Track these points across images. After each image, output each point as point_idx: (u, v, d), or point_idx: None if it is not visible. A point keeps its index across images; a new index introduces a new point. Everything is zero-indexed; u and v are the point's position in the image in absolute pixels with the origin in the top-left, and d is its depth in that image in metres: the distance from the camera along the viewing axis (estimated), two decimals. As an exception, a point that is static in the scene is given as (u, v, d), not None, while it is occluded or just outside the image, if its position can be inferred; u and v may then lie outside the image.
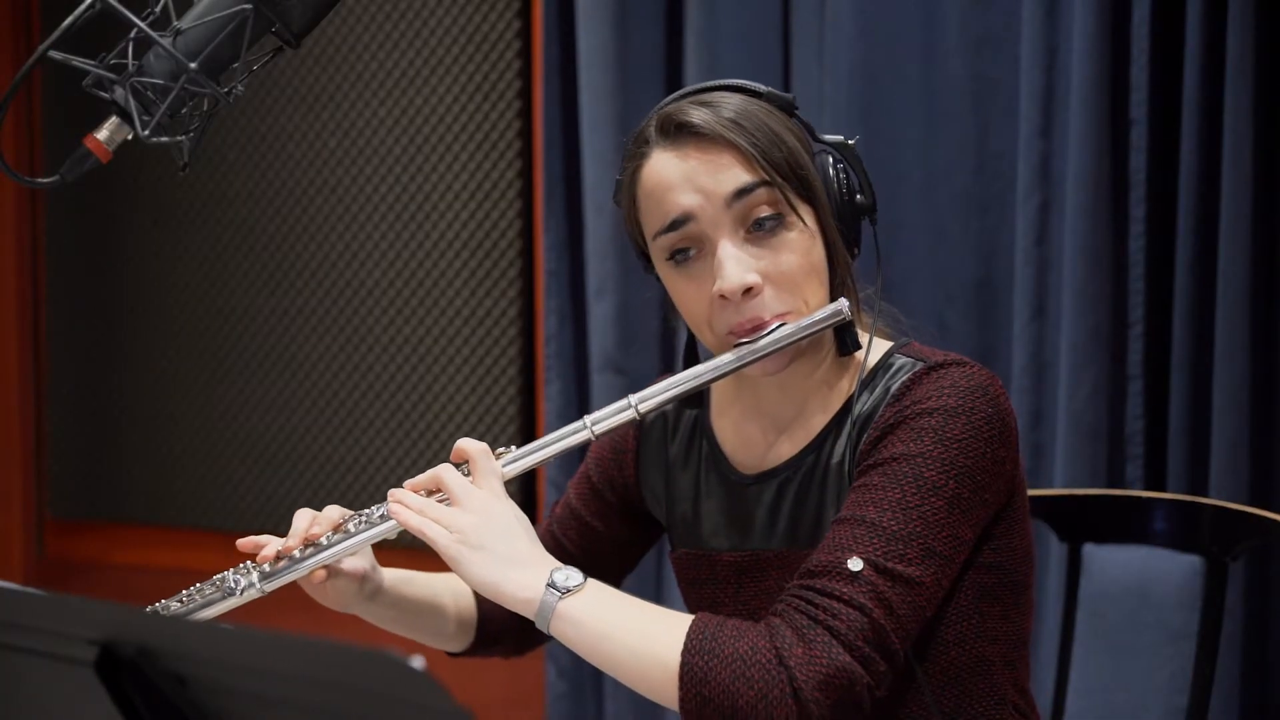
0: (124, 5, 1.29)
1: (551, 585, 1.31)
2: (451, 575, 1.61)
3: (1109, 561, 1.83)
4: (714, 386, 1.52)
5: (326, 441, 3.07)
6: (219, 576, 1.44)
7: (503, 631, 1.63)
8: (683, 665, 1.29)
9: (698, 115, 1.39)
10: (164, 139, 1.32)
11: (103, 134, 1.33)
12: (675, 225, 1.40)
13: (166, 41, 1.30)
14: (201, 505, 3.22)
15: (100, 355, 3.36)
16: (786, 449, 1.48)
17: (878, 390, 1.43)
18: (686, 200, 1.39)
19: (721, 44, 2.52)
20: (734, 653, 1.29)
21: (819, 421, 1.47)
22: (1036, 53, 2.25)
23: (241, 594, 1.42)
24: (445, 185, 2.93)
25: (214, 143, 3.14)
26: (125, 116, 1.32)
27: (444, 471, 1.38)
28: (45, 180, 1.34)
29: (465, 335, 2.92)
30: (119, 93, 1.32)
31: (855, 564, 1.31)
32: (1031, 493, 1.98)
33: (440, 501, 1.37)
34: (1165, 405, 2.22)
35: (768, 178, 1.38)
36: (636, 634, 1.31)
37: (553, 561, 1.34)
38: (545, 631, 1.32)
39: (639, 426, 1.61)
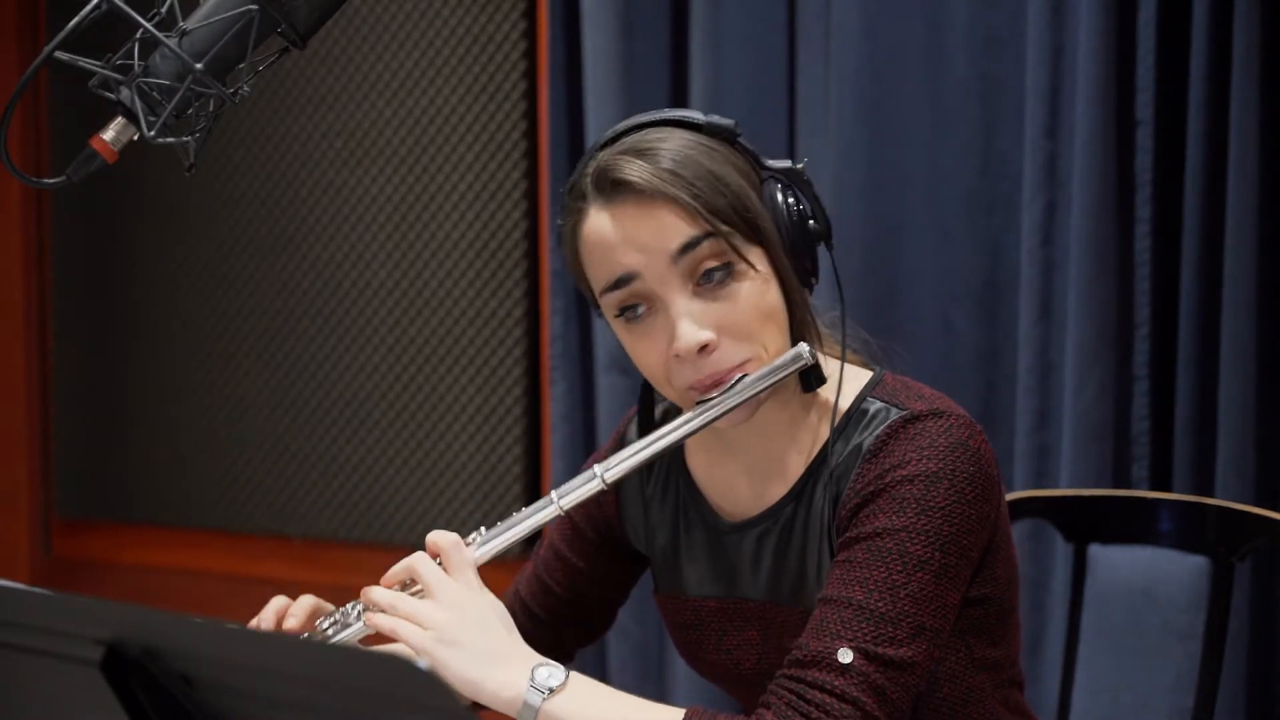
0: (130, 6, 1.29)
1: (534, 686, 1.27)
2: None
3: (1115, 562, 1.82)
4: None
5: (333, 442, 3.07)
6: None
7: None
8: None
9: (633, 171, 1.33)
10: (170, 140, 1.33)
11: (109, 134, 1.33)
12: (620, 283, 1.35)
13: (172, 42, 1.30)
14: (208, 505, 3.23)
15: (106, 355, 3.36)
16: (765, 495, 1.45)
17: (853, 442, 1.39)
18: (629, 260, 1.34)
19: (727, 45, 2.52)
20: None
21: (796, 463, 1.43)
22: (1042, 53, 2.24)
23: None
24: (450, 186, 2.93)
25: (220, 143, 3.14)
26: (131, 117, 1.32)
27: (418, 562, 1.33)
28: (51, 181, 1.34)
29: (471, 336, 2.92)
30: (125, 93, 1.32)
31: (845, 655, 1.28)
32: (1036, 493, 1.99)
33: (415, 594, 1.33)
34: (1171, 406, 2.22)
35: (711, 229, 1.32)
36: None
37: (534, 656, 1.30)
38: None
39: None
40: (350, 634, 1.37)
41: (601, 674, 2.74)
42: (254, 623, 1.42)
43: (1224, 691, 1.90)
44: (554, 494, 1.36)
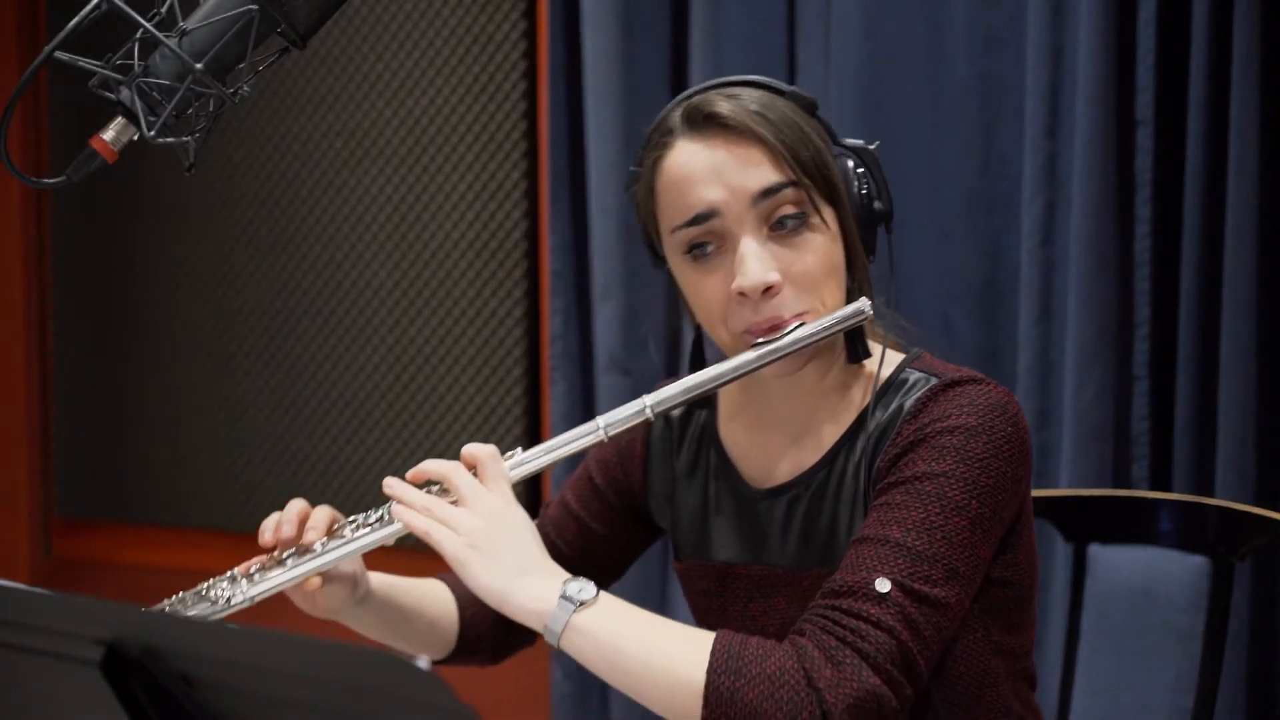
0: (130, 6, 1.29)
1: (565, 597, 1.27)
2: (430, 580, 1.60)
3: (1115, 562, 1.82)
4: (721, 393, 1.51)
5: (333, 442, 3.07)
6: (204, 585, 1.39)
7: (481, 639, 1.60)
8: (708, 685, 1.25)
9: (726, 106, 1.36)
10: (170, 140, 1.32)
11: (109, 134, 1.33)
12: (698, 220, 1.37)
13: (172, 42, 1.30)
14: (208, 505, 3.23)
15: (107, 355, 3.36)
16: (797, 462, 1.46)
17: (892, 406, 1.40)
18: (712, 195, 1.36)
19: (727, 44, 2.52)
20: (761, 673, 1.25)
21: (830, 433, 1.45)
22: (1042, 53, 2.25)
23: (229, 605, 1.37)
24: (450, 186, 2.93)
25: (220, 143, 3.14)
26: (131, 117, 1.32)
27: (453, 470, 1.33)
28: (51, 181, 1.34)
29: (471, 336, 2.93)
30: (125, 93, 1.32)
31: (883, 585, 1.28)
32: (1037, 493, 1.98)
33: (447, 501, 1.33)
34: (1171, 405, 2.22)
35: (795, 177, 1.35)
36: (655, 651, 1.27)
37: (563, 572, 1.30)
38: (554, 645, 1.28)
39: (647, 434, 1.59)
40: (378, 538, 1.36)
41: (601, 674, 2.75)
42: (273, 520, 1.41)
43: (1224, 691, 1.90)
44: (600, 420, 1.36)
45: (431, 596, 1.58)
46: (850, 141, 1.42)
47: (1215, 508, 1.78)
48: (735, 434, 1.52)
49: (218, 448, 3.22)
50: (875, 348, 1.44)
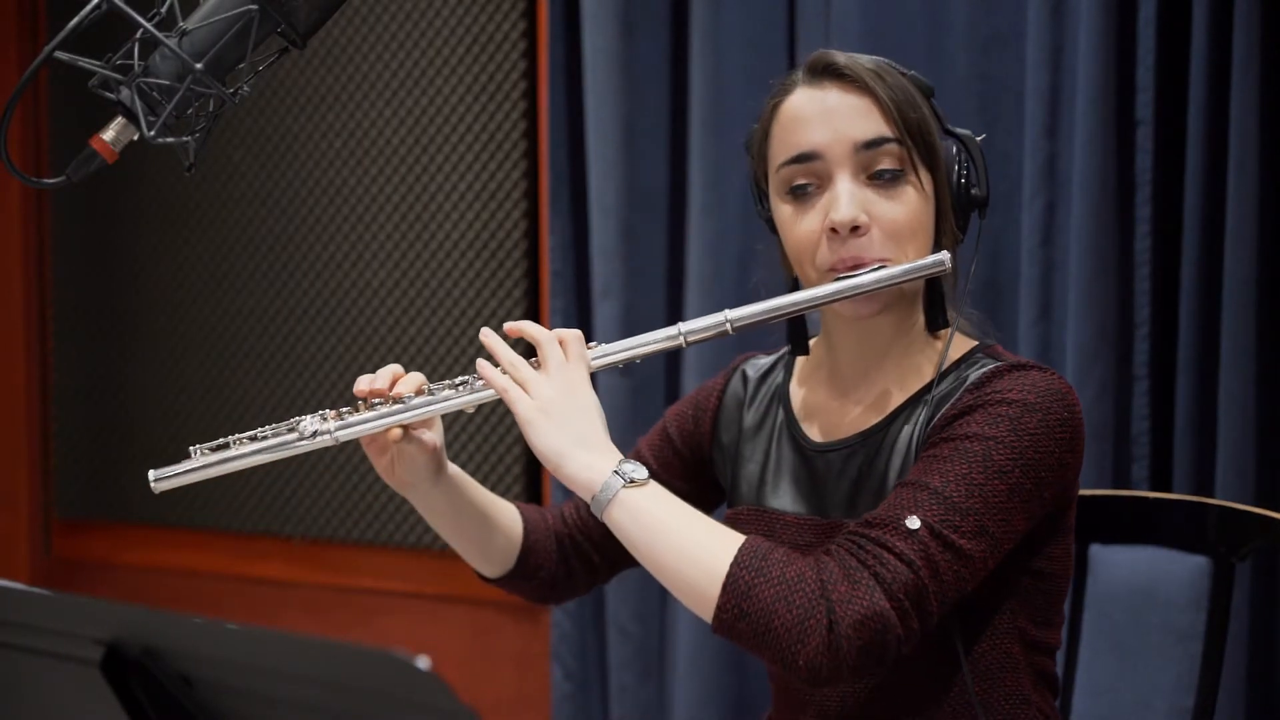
0: (130, 6, 1.29)
1: (617, 472, 1.35)
2: (504, 501, 1.65)
3: (1115, 562, 1.82)
4: (800, 359, 1.60)
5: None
6: (294, 419, 1.47)
7: (540, 567, 1.65)
8: (729, 576, 1.32)
9: (844, 59, 1.46)
10: (170, 139, 1.33)
11: (109, 134, 1.33)
12: (801, 159, 1.45)
13: (172, 42, 1.30)
14: (207, 506, 3.23)
15: (106, 355, 3.36)
16: (860, 421, 1.52)
17: (957, 379, 1.47)
18: (818, 136, 1.45)
19: (727, 44, 2.52)
20: (781, 575, 1.32)
21: (895, 398, 1.51)
22: (1042, 53, 2.24)
23: (314, 438, 1.45)
24: (450, 186, 2.93)
25: (219, 143, 3.14)
26: (131, 117, 1.32)
27: (546, 340, 1.41)
28: (51, 181, 1.34)
29: (471, 336, 2.92)
30: (125, 93, 1.32)
31: (913, 523, 1.35)
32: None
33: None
34: (1171, 406, 2.22)
35: (899, 135, 1.44)
36: (689, 538, 1.35)
37: (620, 453, 1.38)
38: (599, 516, 1.36)
39: (722, 389, 1.67)
40: (462, 400, 1.43)
41: (601, 673, 2.75)
42: (367, 376, 1.49)
43: (1224, 691, 1.90)
44: (680, 325, 1.44)
45: (502, 510, 1.64)
46: (958, 130, 1.50)
47: (1216, 508, 1.78)
48: (805, 394, 1.59)
49: (218, 448, 3.21)
50: (956, 336, 1.51)
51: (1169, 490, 2.20)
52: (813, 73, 1.48)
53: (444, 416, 1.51)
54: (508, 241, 2.88)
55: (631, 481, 1.35)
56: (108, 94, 1.33)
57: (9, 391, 3.49)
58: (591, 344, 1.44)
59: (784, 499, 1.56)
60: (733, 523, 1.60)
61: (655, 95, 2.62)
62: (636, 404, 2.63)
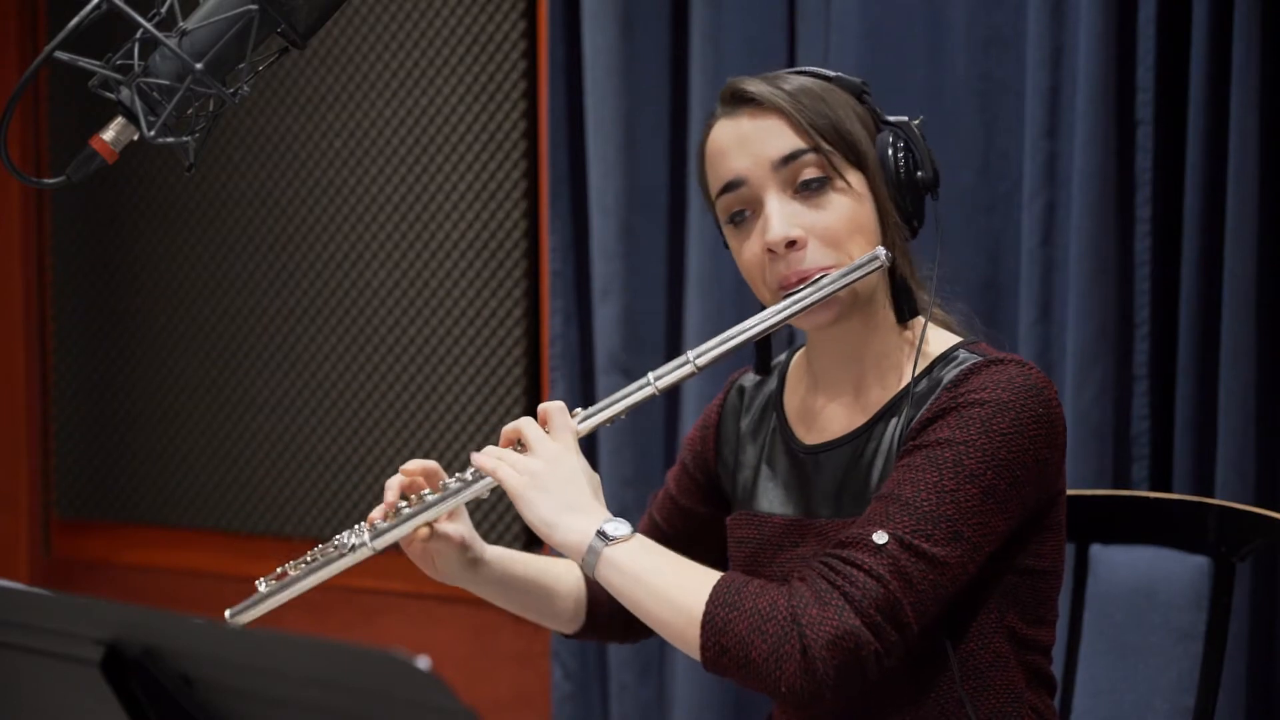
0: (130, 6, 1.29)
1: (600, 533, 1.40)
2: (560, 560, 1.69)
3: (1116, 562, 1.82)
4: (790, 366, 1.63)
5: (332, 442, 3.07)
6: (336, 538, 1.54)
7: (612, 616, 1.68)
8: (705, 614, 1.37)
9: (752, 85, 1.49)
10: (170, 139, 1.33)
11: (109, 134, 1.33)
12: (730, 187, 1.49)
13: (172, 42, 1.30)
14: (207, 505, 3.23)
15: (106, 355, 3.36)
16: (844, 422, 1.54)
17: (936, 377, 1.48)
18: (739, 163, 1.48)
19: (727, 44, 2.52)
20: (754, 608, 1.36)
21: (877, 397, 1.52)
22: (1042, 53, 2.24)
23: (355, 552, 1.52)
24: (450, 186, 2.93)
25: (219, 143, 3.14)
26: (131, 117, 1.32)
27: (525, 424, 1.47)
28: (51, 181, 1.34)
29: (470, 336, 2.93)
30: (125, 93, 1.32)
31: (880, 537, 1.37)
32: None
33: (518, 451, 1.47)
34: (1171, 405, 2.22)
35: (813, 144, 1.46)
36: (670, 583, 1.39)
37: (606, 513, 1.42)
38: (590, 576, 1.41)
39: (721, 403, 1.70)
40: (473, 490, 1.48)
41: (601, 673, 2.75)
42: (391, 486, 1.54)
43: (1225, 691, 1.90)
44: (650, 375, 1.48)
45: (555, 572, 1.69)
46: (894, 119, 1.52)
47: (1216, 508, 1.78)
48: (795, 399, 1.62)
49: (217, 448, 3.22)
50: (934, 329, 1.54)
51: (1169, 490, 2.20)
52: (725, 103, 1.52)
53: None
54: (508, 241, 2.88)
55: (614, 540, 1.40)
56: (108, 94, 1.33)
57: (9, 392, 3.49)
58: (574, 412, 1.48)
59: (773, 501, 1.59)
60: (730, 530, 1.63)
61: (655, 95, 2.62)
62: (637, 420, 2.62)
